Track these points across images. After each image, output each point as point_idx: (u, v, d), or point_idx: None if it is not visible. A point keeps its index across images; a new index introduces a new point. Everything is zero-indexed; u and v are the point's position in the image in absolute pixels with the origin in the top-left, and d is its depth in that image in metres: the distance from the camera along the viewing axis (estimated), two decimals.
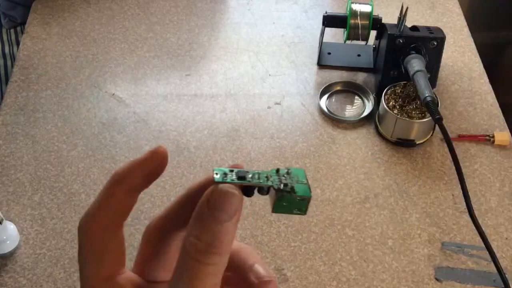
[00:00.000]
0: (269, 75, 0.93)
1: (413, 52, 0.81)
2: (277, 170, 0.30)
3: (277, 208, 0.29)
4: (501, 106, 0.89)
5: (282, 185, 0.29)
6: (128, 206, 0.30)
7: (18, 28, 1.10)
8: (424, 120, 0.78)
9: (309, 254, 0.71)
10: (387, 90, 0.82)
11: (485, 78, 0.93)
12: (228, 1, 1.08)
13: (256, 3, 1.07)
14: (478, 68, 0.94)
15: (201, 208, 0.27)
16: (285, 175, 0.30)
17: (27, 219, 0.74)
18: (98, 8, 1.05)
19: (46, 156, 0.81)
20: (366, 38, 0.87)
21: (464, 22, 1.03)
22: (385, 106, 0.80)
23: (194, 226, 0.27)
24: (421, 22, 1.02)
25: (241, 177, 0.28)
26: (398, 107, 0.80)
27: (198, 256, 0.26)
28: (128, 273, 0.31)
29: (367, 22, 0.86)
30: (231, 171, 0.29)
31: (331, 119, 0.86)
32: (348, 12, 0.86)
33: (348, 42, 0.89)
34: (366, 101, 0.89)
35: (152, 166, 0.30)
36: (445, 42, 0.82)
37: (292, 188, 0.29)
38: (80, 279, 0.31)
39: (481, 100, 0.89)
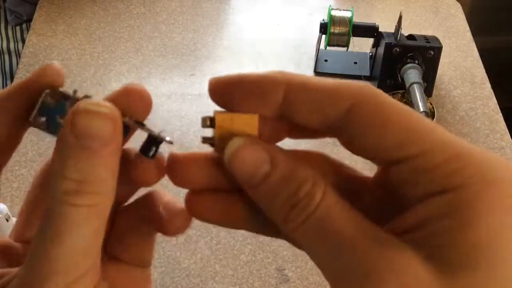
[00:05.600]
0: None
1: (410, 61, 0.82)
2: None
3: None
4: (502, 110, 0.89)
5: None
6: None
7: (24, 26, 1.11)
8: None
9: None
10: None
11: (487, 83, 0.93)
12: (233, 2, 1.09)
13: (260, 4, 1.08)
14: (480, 73, 0.95)
15: (64, 137, 0.21)
16: None
17: None
18: (104, 6, 1.05)
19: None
20: (346, 45, 0.89)
21: (467, 27, 1.03)
22: None
23: (59, 161, 0.21)
24: (424, 26, 1.03)
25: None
26: None
27: (68, 198, 0.20)
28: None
29: (347, 28, 0.87)
30: None
31: None
32: (328, 19, 0.87)
33: (329, 48, 0.92)
34: None
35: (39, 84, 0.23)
36: (448, 47, 0.83)
37: None
38: None
39: (482, 105, 0.90)
